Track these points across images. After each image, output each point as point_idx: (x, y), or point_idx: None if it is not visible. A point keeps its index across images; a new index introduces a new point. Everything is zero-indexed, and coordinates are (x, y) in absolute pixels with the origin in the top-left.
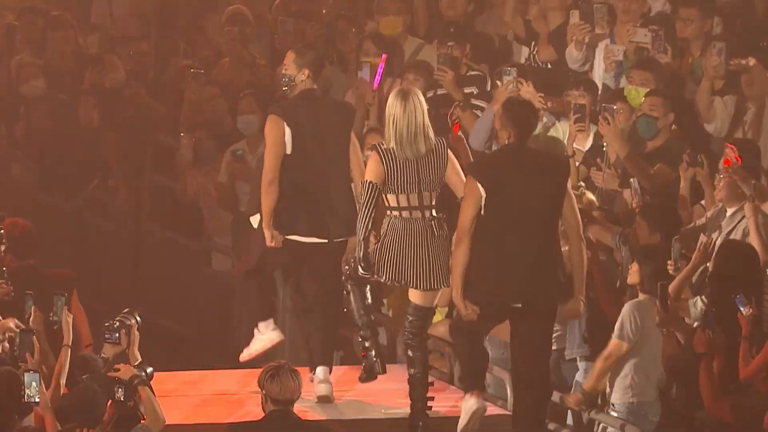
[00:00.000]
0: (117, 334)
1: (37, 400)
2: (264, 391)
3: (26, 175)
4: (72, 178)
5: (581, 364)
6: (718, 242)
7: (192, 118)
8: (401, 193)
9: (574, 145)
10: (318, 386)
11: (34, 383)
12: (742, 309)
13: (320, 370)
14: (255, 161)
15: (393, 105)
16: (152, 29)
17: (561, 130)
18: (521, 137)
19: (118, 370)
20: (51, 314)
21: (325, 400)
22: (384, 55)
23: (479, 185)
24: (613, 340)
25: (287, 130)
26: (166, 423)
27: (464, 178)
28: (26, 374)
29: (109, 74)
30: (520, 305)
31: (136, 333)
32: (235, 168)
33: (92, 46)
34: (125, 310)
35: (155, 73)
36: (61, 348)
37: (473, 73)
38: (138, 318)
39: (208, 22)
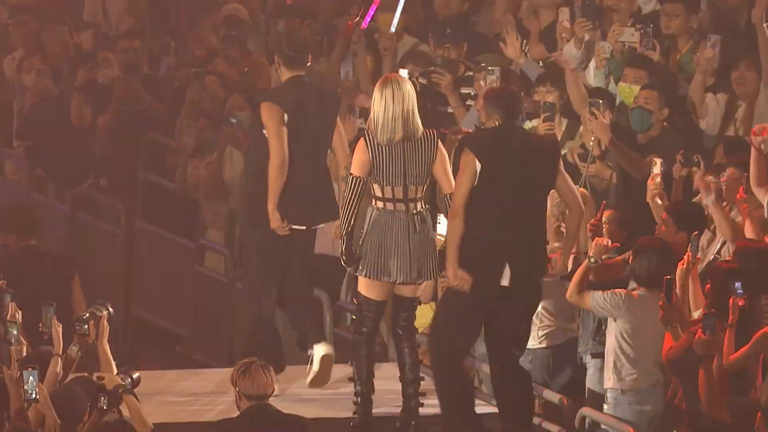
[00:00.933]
0: (86, 326)
1: (35, 396)
2: (237, 389)
3: (19, 173)
4: (65, 177)
5: (592, 362)
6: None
7: (192, 113)
8: (386, 184)
9: None
10: (318, 348)
11: (31, 379)
12: (738, 295)
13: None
14: (243, 157)
15: (375, 92)
16: (145, 27)
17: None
18: (509, 119)
19: (102, 378)
20: (40, 324)
21: (328, 360)
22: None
23: (476, 158)
24: (588, 299)
25: (284, 114)
26: (161, 421)
27: (451, 177)
28: (24, 371)
29: (102, 71)
30: (507, 284)
31: (106, 324)
32: (228, 135)
33: (85, 43)
34: (98, 302)
35: (147, 70)
36: (51, 357)
37: (470, 73)
38: (110, 309)
39: (202, 21)
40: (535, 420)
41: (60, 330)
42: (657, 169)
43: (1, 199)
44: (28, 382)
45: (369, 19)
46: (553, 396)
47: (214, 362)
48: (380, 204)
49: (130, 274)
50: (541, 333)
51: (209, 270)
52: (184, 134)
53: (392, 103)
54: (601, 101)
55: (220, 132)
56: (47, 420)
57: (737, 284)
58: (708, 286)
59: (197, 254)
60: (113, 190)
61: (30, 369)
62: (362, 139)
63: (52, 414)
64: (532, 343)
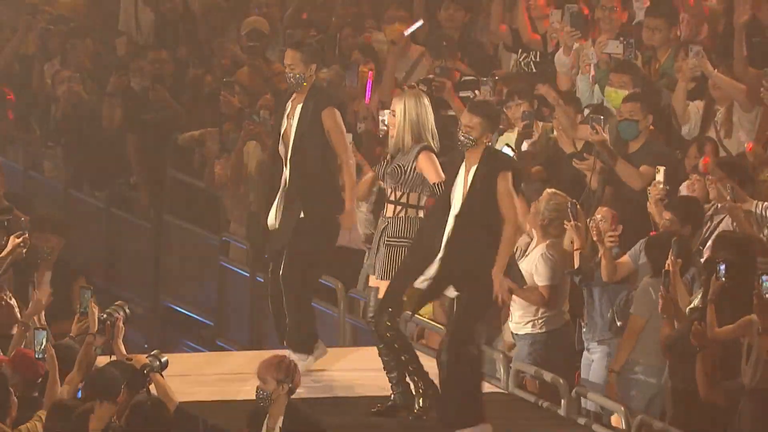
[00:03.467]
0: (103, 326)
1: (43, 356)
2: (291, 385)
3: (57, 171)
4: (99, 175)
5: (600, 348)
6: (708, 233)
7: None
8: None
9: (523, 147)
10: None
11: (41, 340)
12: (721, 273)
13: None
14: (265, 153)
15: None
16: (173, 38)
17: (509, 139)
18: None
19: (131, 359)
20: (78, 306)
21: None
22: (370, 72)
23: None
24: (632, 316)
25: None
26: (188, 400)
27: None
28: (35, 331)
29: (136, 80)
30: None
31: (121, 326)
32: (251, 130)
33: (119, 50)
34: (116, 303)
35: (175, 78)
36: (86, 336)
37: (466, 78)
38: (127, 311)
39: (227, 31)
40: (539, 402)
41: (96, 312)
42: (660, 176)
43: (40, 195)
44: (37, 341)
45: (369, 94)
46: (550, 377)
47: (236, 347)
48: (420, 212)
49: (159, 265)
50: (540, 321)
51: (232, 262)
52: (209, 139)
53: None
54: (602, 117)
55: (242, 128)
56: (50, 378)
57: (722, 267)
58: (704, 277)
59: (221, 247)
60: (143, 187)
61: (40, 329)
62: (432, 153)
63: (55, 373)
64: (531, 329)
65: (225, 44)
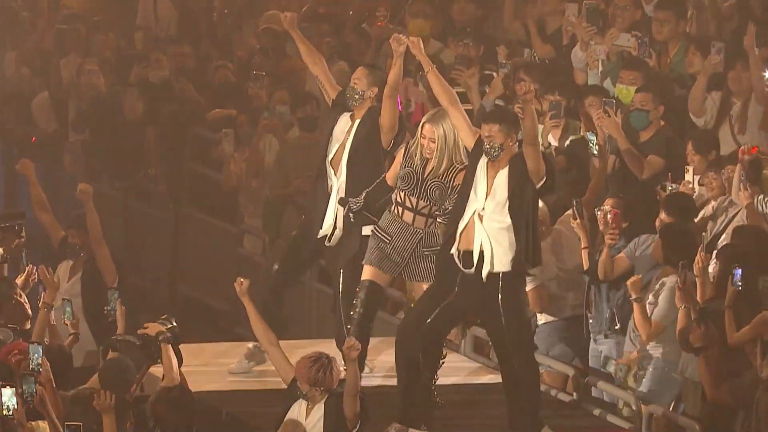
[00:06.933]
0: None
1: (39, 369)
2: (323, 387)
3: (76, 164)
4: (118, 167)
5: (607, 341)
6: (722, 225)
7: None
8: None
9: (549, 138)
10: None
11: (36, 355)
12: (736, 280)
13: None
14: (283, 147)
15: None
16: (192, 31)
17: None
18: None
19: (147, 327)
20: (106, 307)
21: None
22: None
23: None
24: (655, 321)
25: None
26: (203, 390)
27: None
28: (30, 346)
29: (154, 72)
30: None
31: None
32: (267, 124)
33: (138, 43)
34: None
35: (195, 71)
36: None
37: (486, 72)
38: (174, 323)
39: (245, 24)
40: (550, 391)
41: (123, 312)
42: (689, 176)
43: (59, 187)
44: (33, 357)
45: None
46: (560, 366)
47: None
48: None
49: (177, 256)
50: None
51: (248, 251)
52: (225, 140)
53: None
54: (614, 100)
55: (259, 122)
56: (47, 393)
57: (738, 272)
58: (717, 266)
59: (237, 237)
60: (162, 179)
61: (35, 344)
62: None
63: (52, 388)
64: (539, 316)
65: (244, 38)
